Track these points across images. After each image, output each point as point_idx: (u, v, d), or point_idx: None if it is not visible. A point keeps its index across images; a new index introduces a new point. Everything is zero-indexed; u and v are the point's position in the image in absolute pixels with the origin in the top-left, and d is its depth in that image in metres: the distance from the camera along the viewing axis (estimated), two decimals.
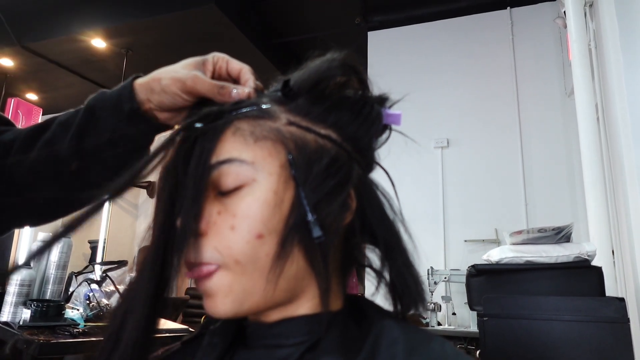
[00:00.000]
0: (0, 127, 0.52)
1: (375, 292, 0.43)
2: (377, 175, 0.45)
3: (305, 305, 0.41)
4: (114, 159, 0.47)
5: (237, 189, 0.38)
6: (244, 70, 0.46)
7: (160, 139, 0.50)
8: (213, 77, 0.46)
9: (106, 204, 0.39)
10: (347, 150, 0.41)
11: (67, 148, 0.46)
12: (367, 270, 0.45)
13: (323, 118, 0.41)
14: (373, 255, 0.44)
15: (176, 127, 0.46)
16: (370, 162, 0.44)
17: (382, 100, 0.44)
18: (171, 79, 0.44)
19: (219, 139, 0.39)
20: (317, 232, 0.37)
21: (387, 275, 0.42)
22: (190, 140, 0.38)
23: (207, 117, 0.39)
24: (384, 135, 0.45)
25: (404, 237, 0.42)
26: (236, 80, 0.46)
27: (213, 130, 0.39)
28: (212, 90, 0.43)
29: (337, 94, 0.42)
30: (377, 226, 0.42)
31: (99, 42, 4.44)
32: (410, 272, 0.42)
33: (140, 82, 0.46)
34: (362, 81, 0.44)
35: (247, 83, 0.45)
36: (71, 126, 0.46)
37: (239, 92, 0.43)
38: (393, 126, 0.45)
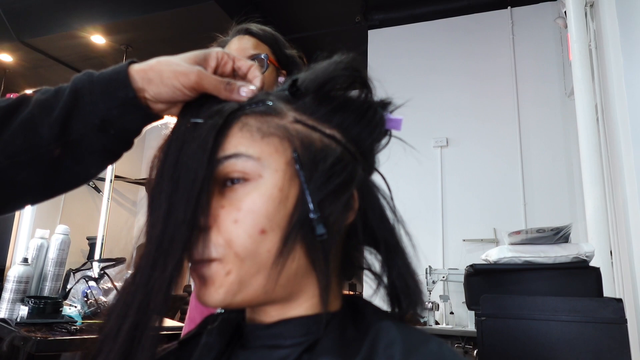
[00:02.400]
0: None
1: (374, 293, 0.43)
2: (375, 176, 0.46)
3: (304, 306, 0.41)
4: (100, 146, 0.45)
5: (242, 184, 0.38)
6: (254, 67, 0.46)
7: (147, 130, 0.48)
8: (215, 73, 0.45)
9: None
10: (351, 151, 0.41)
11: (50, 132, 0.42)
12: (366, 271, 0.45)
13: (328, 118, 0.42)
14: (371, 256, 0.44)
15: (169, 118, 0.45)
16: (371, 165, 0.45)
17: (385, 104, 0.45)
18: (173, 72, 0.42)
19: (227, 133, 0.39)
20: (320, 230, 0.37)
21: (386, 276, 0.43)
22: (197, 134, 0.38)
23: (217, 112, 0.39)
24: (384, 140, 0.46)
25: (404, 238, 0.43)
26: (238, 78, 0.46)
27: (220, 124, 0.39)
28: (217, 87, 0.42)
29: (343, 95, 0.43)
30: (378, 227, 0.42)
31: (98, 39, 4.43)
32: (409, 273, 0.42)
33: (136, 69, 0.43)
34: (367, 84, 0.44)
35: (254, 80, 0.45)
36: (53, 108, 0.42)
37: (246, 89, 0.43)
38: (393, 131, 0.46)
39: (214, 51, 0.45)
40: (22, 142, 0.42)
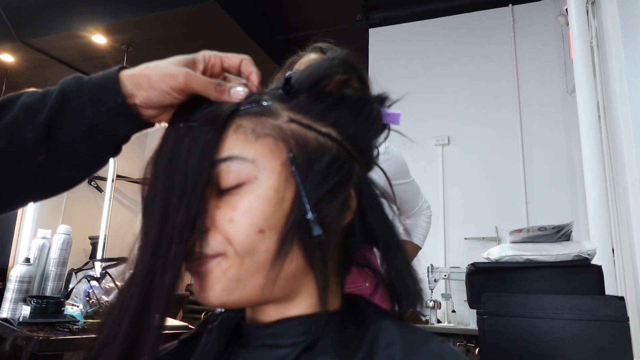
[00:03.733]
0: None
1: (374, 292, 0.43)
2: (374, 174, 0.45)
3: (303, 305, 0.41)
4: (87, 153, 0.44)
5: (238, 186, 0.38)
6: (245, 61, 0.45)
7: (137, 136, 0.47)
8: (205, 75, 0.44)
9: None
10: (348, 149, 0.41)
11: (34, 136, 0.41)
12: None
13: (324, 116, 0.41)
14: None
15: (164, 124, 0.44)
16: (369, 162, 0.44)
17: (382, 99, 0.44)
18: (161, 75, 0.41)
19: (221, 135, 0.38)
20: (317, 231, 0.37)
21: (385, 274, 0.42)
22: (193, 137, 0.38)
23: (211, 114, 0.39)
24: (383, 135, 0.45)
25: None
26: (232, 75, 0.45)
27: (215, 127, 0.38)
28: (207, 87, 0.41)
29: (338, 92, 0.42)
30: (377, 226, 0.41)
31: (99, 38, 4.43)
32: (409, 272, 0.42)
33: (126, 74, 0.42)
34: (363, 80, 0.44)
35: (250, 76, 0.44)
36: (40, 112, 0.41)
37: (237, 90, 0.42)
38: (393, 125, 0.45)
39: (202, 53, 0.44)
40: (6, 145, 0.41)
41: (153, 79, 0.41)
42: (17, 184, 0.43)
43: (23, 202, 0.47)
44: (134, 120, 0.43)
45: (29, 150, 0.42)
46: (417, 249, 1.43)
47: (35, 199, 0.47)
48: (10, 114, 0.42)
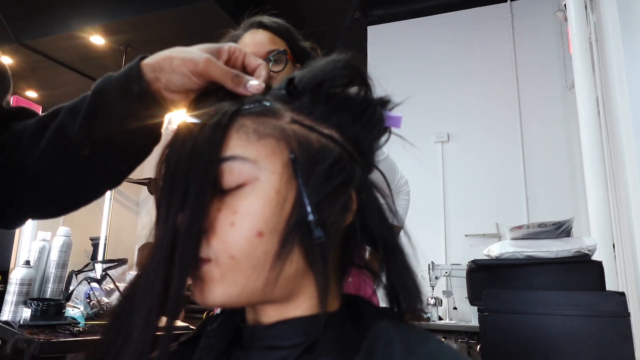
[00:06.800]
0: (20, 119, 0.52)
1: (374, 292, 0.43)
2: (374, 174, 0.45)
3: (303, 306, 0.41)
4: (126, 142, 0.46)
5: (239, 187, 0.38)
6: (262, 66, 0.46)
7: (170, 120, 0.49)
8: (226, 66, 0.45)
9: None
10: (349, 151, 0.41)
11: (77, 134, 0.45)
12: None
13: (326, 118, 0.41)
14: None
15: (173, 120, 0.45)
16: (370, 164, 0.44)
17: (385, 102, 0.44)
18: (182, 59, 0.43)
19: (225, 135, 0.38)
20: (318, 233, 0.37)
21: (384, 276, 0.42)
22: (197, 135, 0.38)
23: (215, 112, 0.39)
24: (384, 138, 0.45)
25: (403, 238, 0.42)
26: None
27: (219, 126, 0.38)
28: (225, 76, 0.42)
29: (341, 94, 0.42)
30: (377, 228, 0.41)
31: (97, 39, 4.43)
32: (409, 274, 0.42)
33: (148, 61, 0.45)
34: (366, 82, 0.44)
35: (260, 79, 0.44)
36: (80, 111, 0.45)
37: (253, 84, 0.42)
38: (393, 128, 0.45)
39: (227, 45, 0.46)
40: (55, 146, 0.46)
41: (175, 62, 0.43)
42: (70, 181, 0.48)
43: (77, 202, 0.51)
44: (160, 104, 0.45)
45: (74, 147, 0.45)
46: (399, 229, 1.41)
47: (89, 196, 0.51)
48: (57, 119, 0.47)
